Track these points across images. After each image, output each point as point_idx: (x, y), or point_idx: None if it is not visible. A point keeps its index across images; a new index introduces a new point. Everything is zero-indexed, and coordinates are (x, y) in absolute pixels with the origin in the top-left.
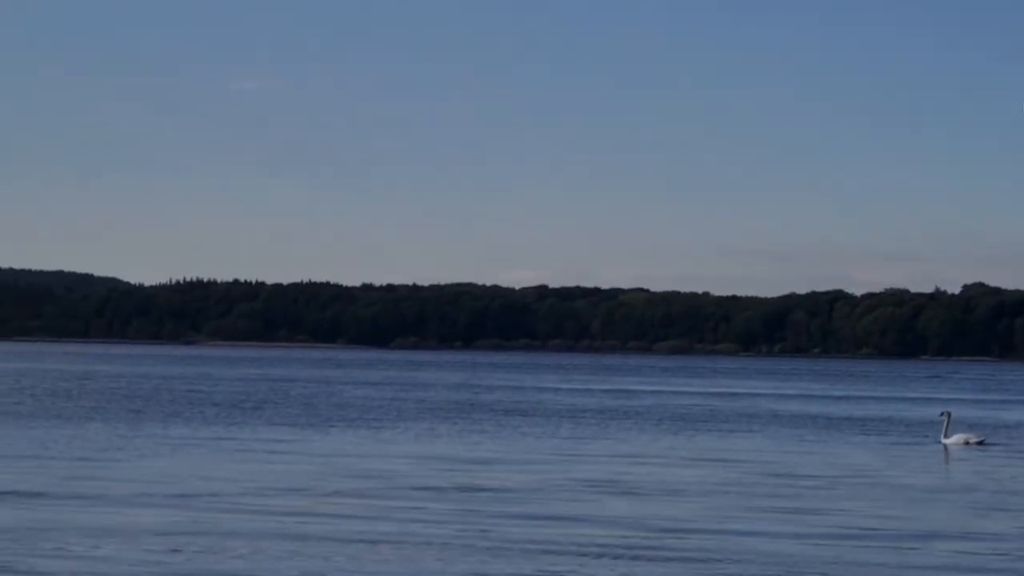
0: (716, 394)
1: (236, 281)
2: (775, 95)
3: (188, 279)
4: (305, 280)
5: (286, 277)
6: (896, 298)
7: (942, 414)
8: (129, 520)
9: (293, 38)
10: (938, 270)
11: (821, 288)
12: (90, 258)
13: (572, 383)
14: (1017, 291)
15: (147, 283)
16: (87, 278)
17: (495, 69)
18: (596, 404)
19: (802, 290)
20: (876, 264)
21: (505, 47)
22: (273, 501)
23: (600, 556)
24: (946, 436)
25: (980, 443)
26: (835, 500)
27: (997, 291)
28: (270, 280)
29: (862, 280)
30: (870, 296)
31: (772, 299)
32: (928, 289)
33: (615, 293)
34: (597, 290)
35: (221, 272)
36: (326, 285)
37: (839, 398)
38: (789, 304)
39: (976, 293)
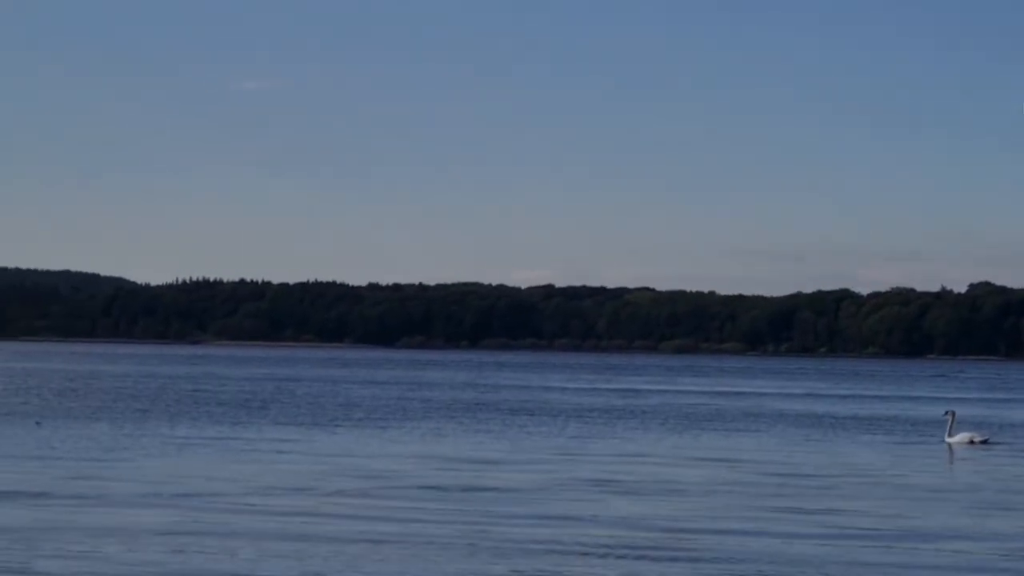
0: (722, 393)
1: (242, 281)
2: (775, 95)
3: (194, 279)
4: (311, 280)
5: (292, 277)
6: (902, 297)
7: (946, 413)
8: (133, 520)
9: (293, 38)
10: (939, 270)
11: (827, 287)
12: (96, 258)
13: (578, 382)
14: (1023, 290)
15: (153, 283)
16: (93, 278)
17: (495, 69)
18: (602, 403)
19: (808, 289)
20: (877, 264)
21: (505, 47)
22: (278, 501)
23: (604, 556)
24: (950, 435)
25: (984, 442)
26: (839, 499)
27: (1003, 290)
28: (276, 280)
29: (868, 279)
30: (876, 295)
31: (778, 298)
32: (934, 288)
33: (621, 292)
34: (603, 289)
35: (227, 272)
36: (332, 285)
37: (845, 397)
38: (795, 303)
39: (982, 292)
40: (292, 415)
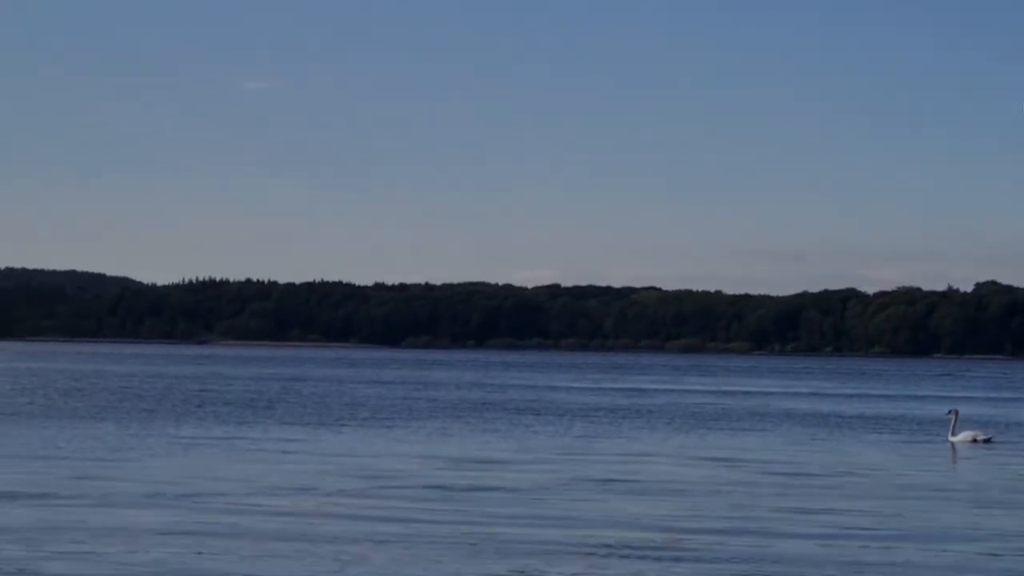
0: (728, 393)
1: (248, 280)
2: (775, 95)
3: (200, 279)
4: (317, 280)
5: (298, 277)
6: (909, 296)
7: (949, 412)
8: (139, 520)
9: (294, 38)
10: (940, 270)
11: (833, 287)
12: (102, 258)
13: (584, 382)
14: None
15: (159, 283)
16: (99, 278)
17: (495, 69)
18: (608, 403)
19: (814, 289)
20: (877, 264)
21: (505, 47)
22: (283, 501)
23: (608, 556)
24: (953, 434)
25: (988, 441)
26: (843, 499)
27: (1009, 289)
28: (282, 280)
29: (868, 279)
30: (883, 295)
31: (784, 298)
32: (941, 287)
33: (627, 292)
34: (609, 289)
35: (233, 272)
36: (338, 284)
37: (851, 396)
38: (801, 303)
39: (988, 291)
40: (298, 415)
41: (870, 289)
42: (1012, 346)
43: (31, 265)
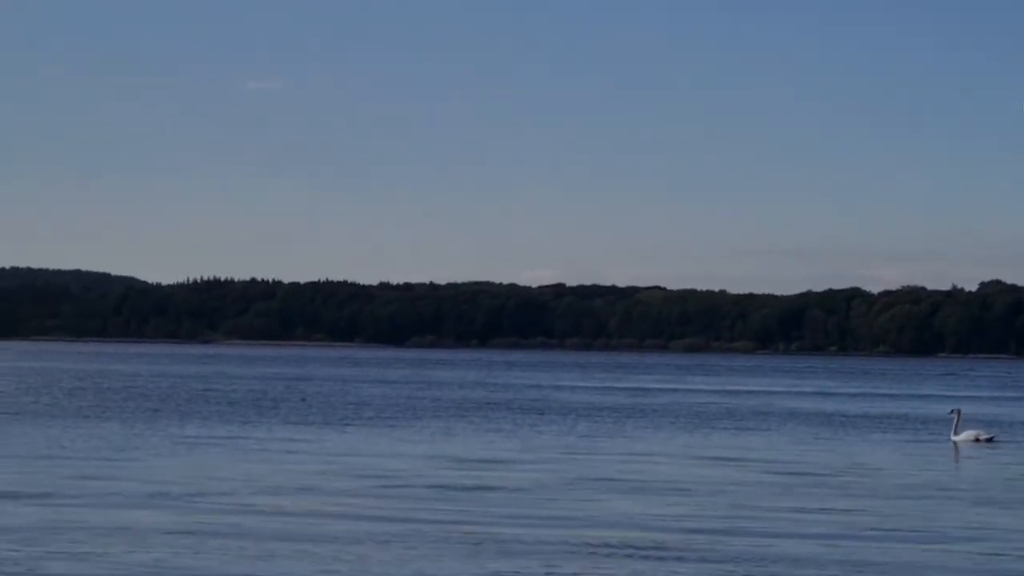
0: (732, 392)
1: (253, 280)
2: (775, 95)
3: (205, 278)
4: (322, 279)
5: (303, 276)
6: (913, 296)
7: (952, 411)
8: (143, 520)
9: (294, 38)
10: (940, 269)
11: (838, 286)
12: (107, 257)
13: (588, 381)
14: None
15: (164, 282)
16: (104, 277)
17: (495, 69)
18: (612, 402)
19: (819, 288)
20: (878, 264)
21: (505, 47)
22: (286, 501)
23: (611, 555)
24: (956, 433)
25: (990, 440)
26: (846, 498)
27: (1013, 288)
28: (287, 279)
29: (869, 279)
30: (887, 294)
31: (789, 297)
32: (945, 287)
33: (632, 291)
34: (614, 288)
35: (238, 271)
36: (343, 284)
37: (855, 396)
38: (806, 302)
39: (993, 291)
40: (302, 414)
41: (875, 288)
42: (1016, 345)
43: (36, 264)
